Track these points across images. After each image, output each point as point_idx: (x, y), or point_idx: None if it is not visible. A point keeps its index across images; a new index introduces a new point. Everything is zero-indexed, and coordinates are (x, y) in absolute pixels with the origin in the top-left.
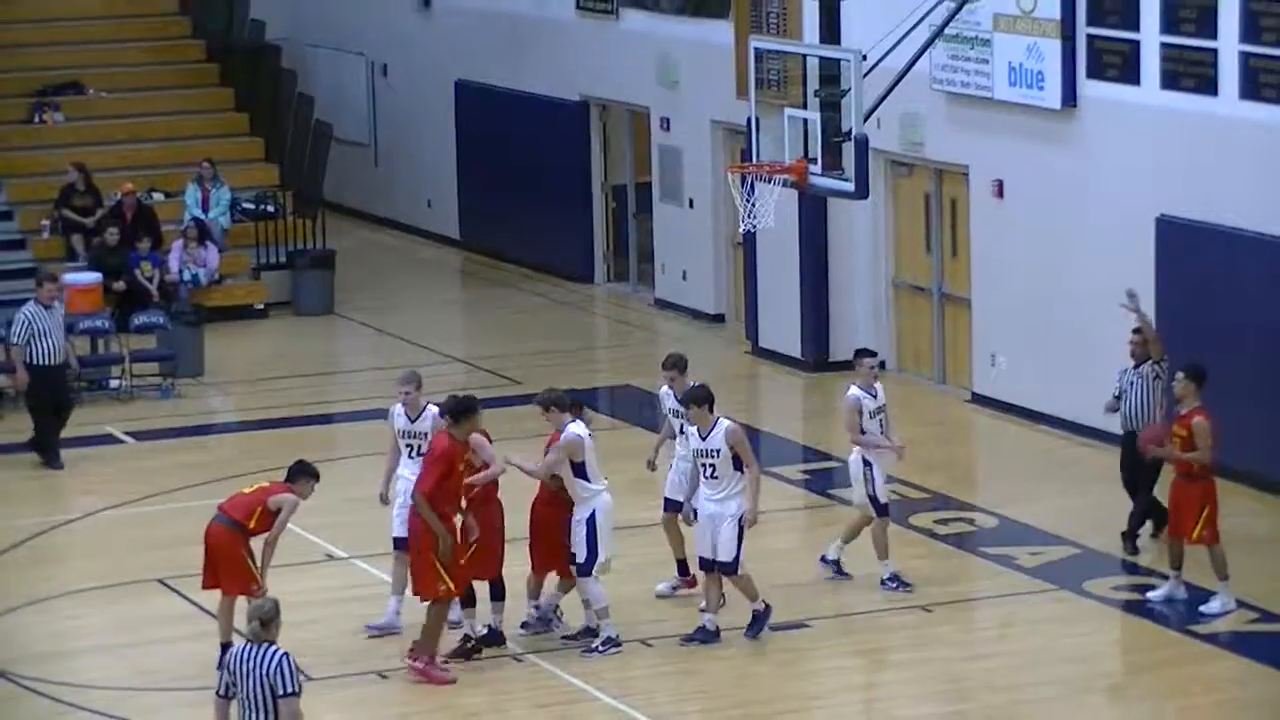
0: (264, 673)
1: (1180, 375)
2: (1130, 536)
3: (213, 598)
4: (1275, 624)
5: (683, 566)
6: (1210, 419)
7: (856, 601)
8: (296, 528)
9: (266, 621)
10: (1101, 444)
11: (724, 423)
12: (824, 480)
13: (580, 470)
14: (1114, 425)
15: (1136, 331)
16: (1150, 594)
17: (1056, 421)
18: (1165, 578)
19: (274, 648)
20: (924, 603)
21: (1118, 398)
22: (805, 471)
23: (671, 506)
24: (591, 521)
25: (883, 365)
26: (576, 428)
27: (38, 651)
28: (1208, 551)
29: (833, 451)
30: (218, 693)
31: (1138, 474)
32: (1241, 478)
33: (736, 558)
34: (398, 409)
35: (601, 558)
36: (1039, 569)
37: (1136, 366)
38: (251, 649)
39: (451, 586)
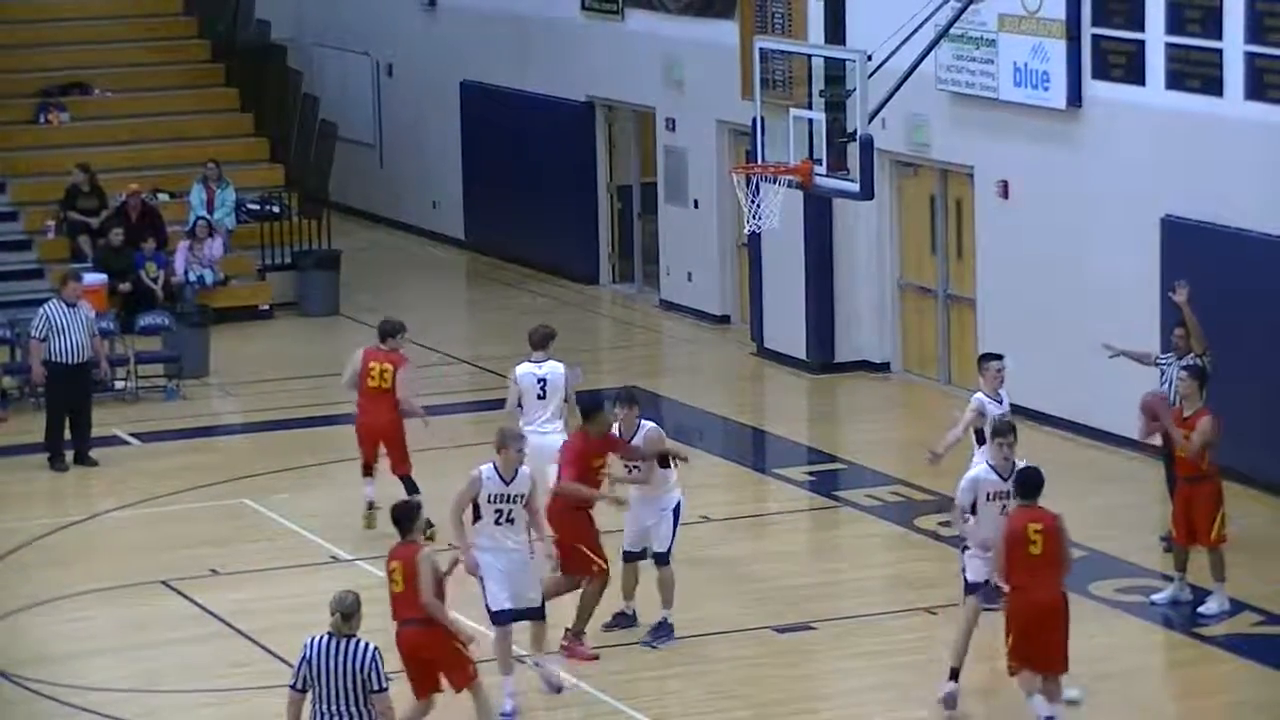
0: (356, 666)
1: (1183, 374)
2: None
3: (217, 598)
4: (1279, 626)
5: None
6: (1217, 419)
7: (861, 604)
8: (301, 529)
9: (349, 614)
10: (1108, 445)
11: (645, 424)
12: (828, 482)
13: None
14: (1119, 427)
15: (1180, 326)
16: (1154, 596)
17: (1062, 423)
18: (1169, 579)
19: (362, 641)
20: (928, 605)
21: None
22: (810, 473)
23: None
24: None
25: (887, 367)
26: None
27: (42, 653)
28: (1208, 553)
29: (837, 453)
30: (293, 686)
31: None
32: (1245, 479)
33: (670, 549)
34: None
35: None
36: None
37: (1179, 359)
38: (335, 642)
39: (603, 564)
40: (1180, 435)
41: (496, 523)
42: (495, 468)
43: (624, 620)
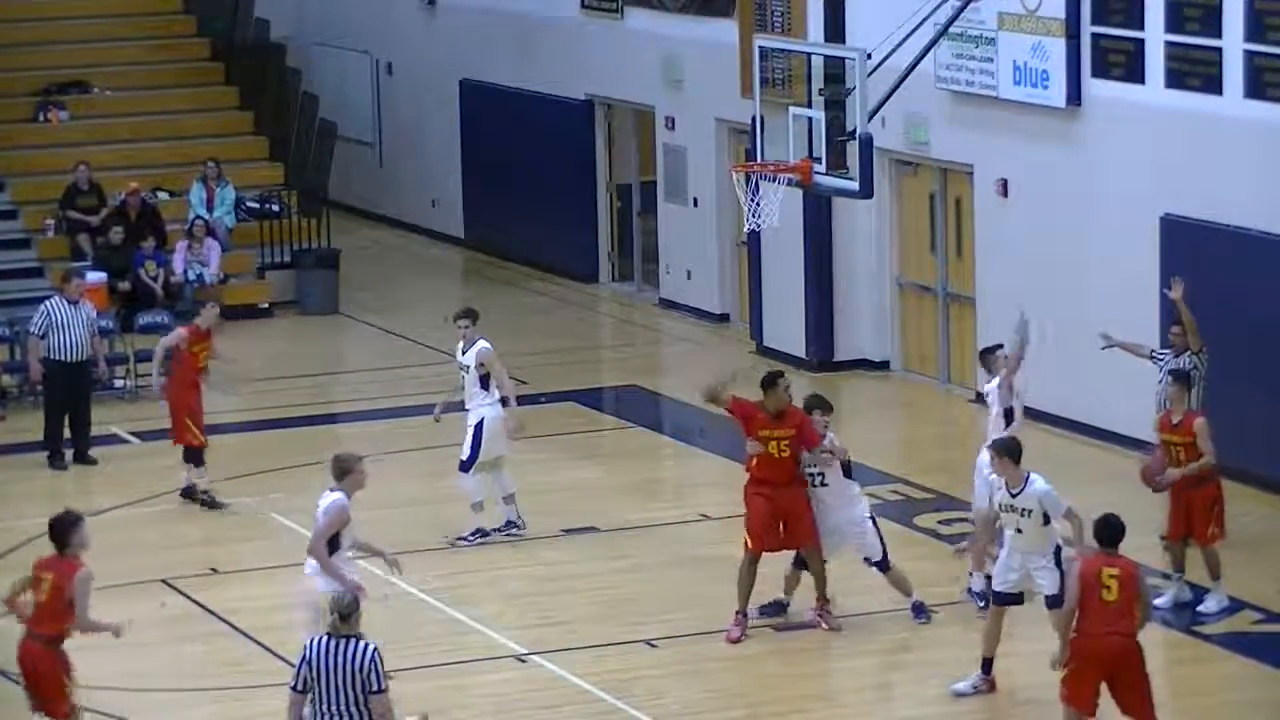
0: (355, 667)
1: (1169, 379)
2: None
3: (216, 597)
4: (1279, 625)
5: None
6: (1207, 419)
7: (860, 603)
8: (300, 528)
9: (347, 615)
10: (1107, 444)
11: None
12: None
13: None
14: (1118, 425)
15: (1176, 323)
16: (1157, 600)
17: (1061, 421)
18: (1168, 578)
19: (362, 641)
20: (929, 603)
21: (1153, 355)
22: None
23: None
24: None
25: (887, 365)
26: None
27: None
28: (1203, 551)
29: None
30: (293, 686)
31: None
32: (1244, 477)
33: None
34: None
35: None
36: None
37: (1175, 357)
38: (334, 642)
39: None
40: (1181, 471)
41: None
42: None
43: (777, 608)
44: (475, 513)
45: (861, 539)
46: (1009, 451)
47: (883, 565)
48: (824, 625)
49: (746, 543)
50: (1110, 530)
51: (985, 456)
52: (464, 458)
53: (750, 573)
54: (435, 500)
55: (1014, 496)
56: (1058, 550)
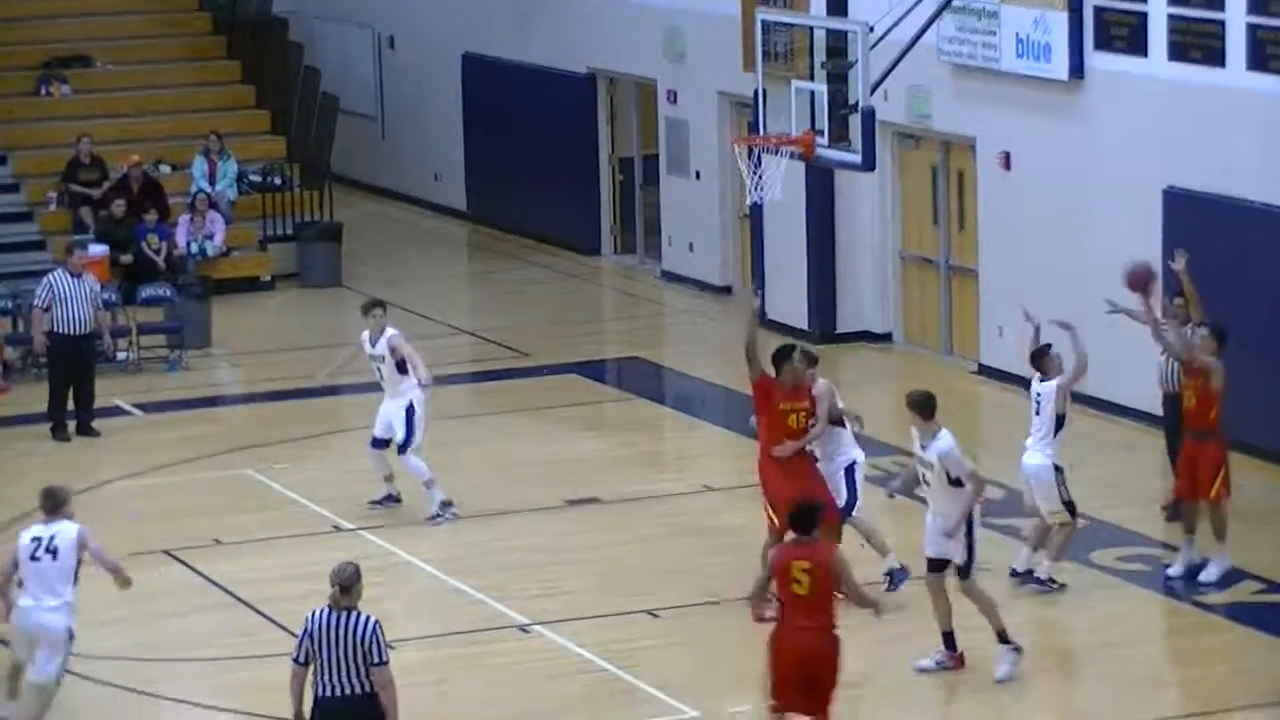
0: (357, 639)
1: (1204, 332)
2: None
3: (219, 568)
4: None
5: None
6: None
7: (861, 573)
8: (303, 499)
9: (348, 587)
10: (1109, 415)
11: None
12: None
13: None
14: (1120, 396)
15: (1179, 294)
16: (1170, 570)
17: None
18: (1172, 548)
19: (363, 614)
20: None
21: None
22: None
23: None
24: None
25: (889, 337)
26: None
27: None
28: (1209, 512)
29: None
30: (295, 659)
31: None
32: (1247, 448)
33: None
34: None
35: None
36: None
37: (1180, 327)
38: (335, 615)
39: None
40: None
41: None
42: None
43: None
44: (431, 489)
45: (835, 487)
46: (917, 405)
47: (844, 512)
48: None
49: (770, 522)
50: (800, 516)
51: (1034, 460)
52: (400, 441)
53: None
54: (441, 471)
55: (922, 450)
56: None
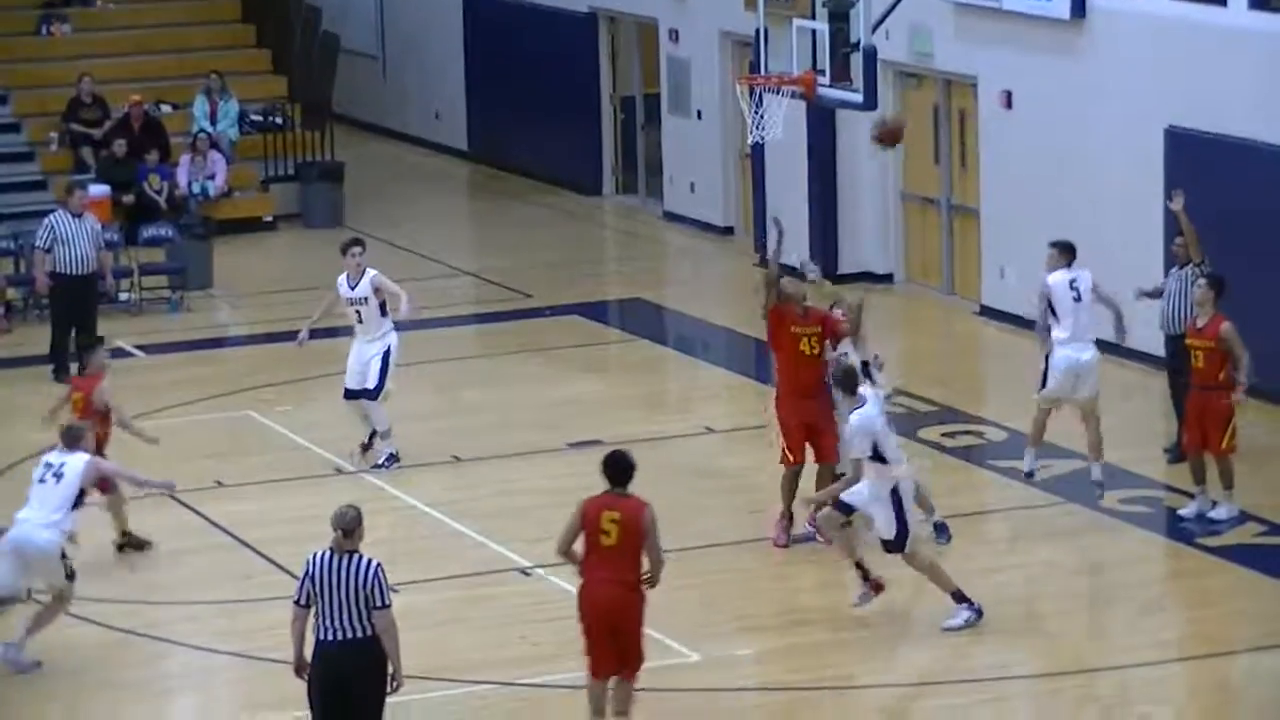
0: (359, 582)
1: (1201, 282)
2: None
3: (221, 510)
4: None
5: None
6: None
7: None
8: (305, 441)
9: (350, 530)
10: (1111, 357)
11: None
12: None
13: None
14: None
15: (1179, 234)
16: (1181, 511)
17: None
18: (1175, 490)
19: (365, 557)
20: (928, 516)
21: (1159, 292)
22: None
23: None
24: (898, 493)
25: (891, 278)
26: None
27: None
28: (1218, 462)
29: None
30: (296, 601)
31: (1184, 385)
32: (1250, 390)
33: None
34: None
35: None
36: (1049, 482)
37: (1179, 269)
38: (337, 558)
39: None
40: (1240, 376)
41: None
42: None
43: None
44: (384, 440)
45: (887, 515)
46: (839, 381)
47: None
48: (821, 538)
49: (785, 457)
50: (615, 468)
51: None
52: (371, 386)
53: (793, 483)
54: (443, 414)
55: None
56: (895, 490)
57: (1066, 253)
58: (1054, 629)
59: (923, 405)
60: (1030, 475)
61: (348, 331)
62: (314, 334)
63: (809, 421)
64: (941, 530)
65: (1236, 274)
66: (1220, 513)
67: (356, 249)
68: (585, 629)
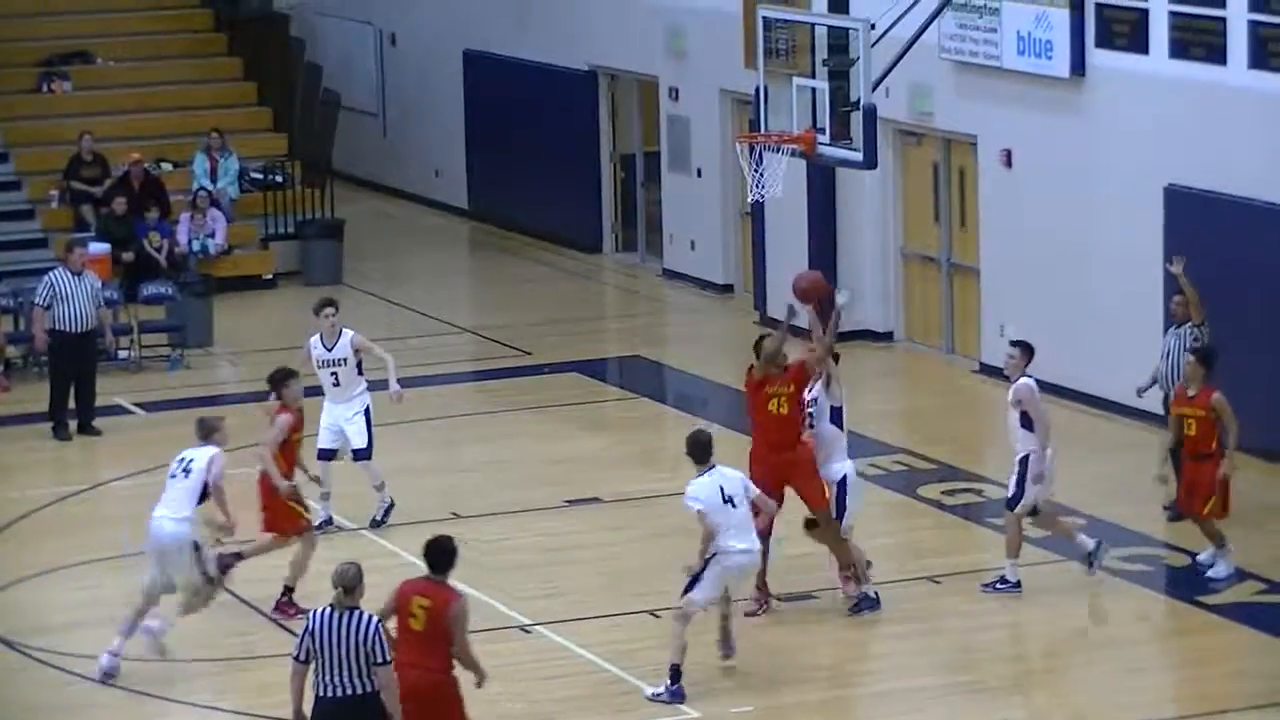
0: (360, 639)
1: (1190, 358)
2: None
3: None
4: None
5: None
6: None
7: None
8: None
9: (351, 587)
10: (1110, 414)
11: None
12: None
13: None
14: (1121, 395)
15: (1179, 293)
16: (1210, 572)
17: (1065, 392)
18: (1174, 549)
19: (366, 614)
20: (932, 574)
21: (1155, 380)
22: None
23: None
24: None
25: (891, 336)
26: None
27: (46, 622)
28: (1201, 525)
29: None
30: (296, 657)
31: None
32: (1247, 448)
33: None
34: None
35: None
36: (1048, 540)
37: (1177, 327)
38: (338, 614)
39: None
40: (1230, 441)
41: None
42: None
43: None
44: (382, 491)
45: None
46: (689, 451)
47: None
48: (844, 591)
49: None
50: (433, 554)
51: None
52: (363, 446)
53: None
54: (442, 470)
55: None
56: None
57: (1029, 354)
58: (1052, 687)
59: (922, 463)
60: (1017, 585)
61: (317, 391)
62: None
63: (781, 474)
64: (865, 603)
65: (1236, 332)
66: (1219, 570)
67: (330, 309)
68: (401, 704)
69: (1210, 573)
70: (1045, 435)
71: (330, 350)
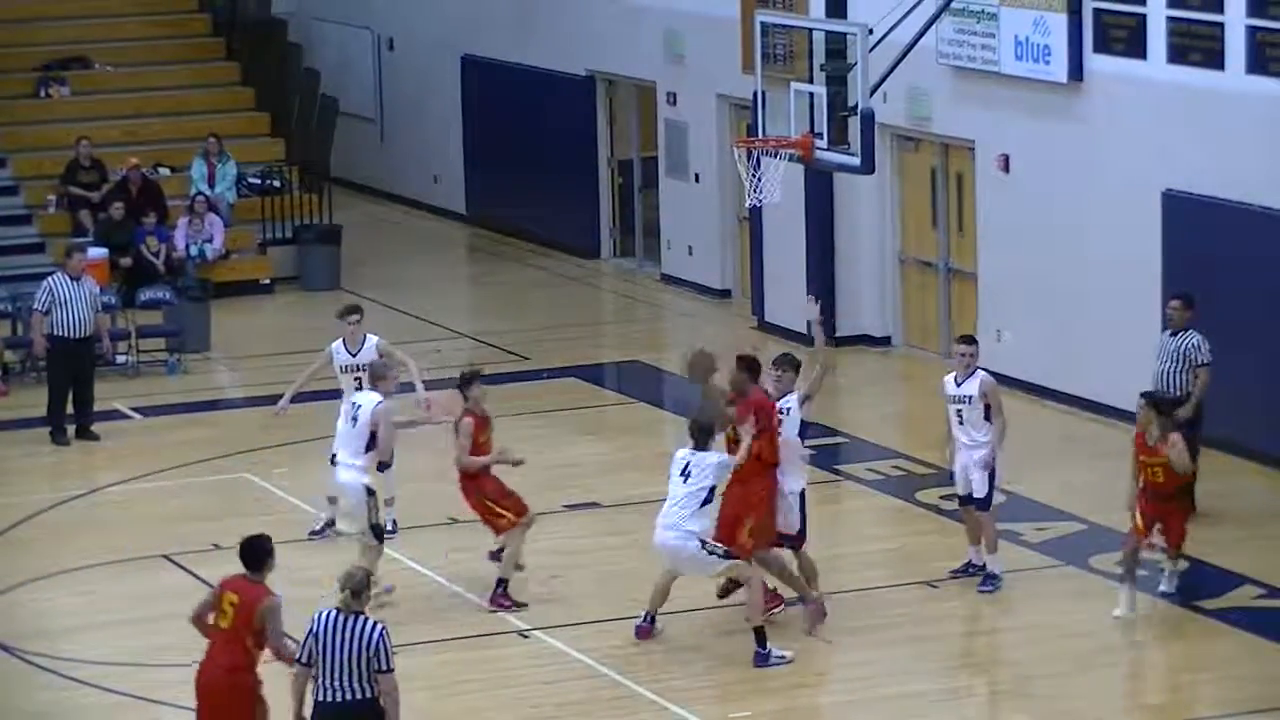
0: (363, 644)
1: (1141, 402)
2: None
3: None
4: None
5: None
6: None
7: (862, 578)
8: (302, 504)
9: (358, 591)
10: (1108, 419)
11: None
12: (830, 456)
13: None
14: (1119, 400)
15: (1175, 298)
16: (1160, 588)
17: (1063, 396)
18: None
19: (370, 619)
20: (930, 578)
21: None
22: (811, 447)
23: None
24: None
25: (889, 341)
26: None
27: (44, 627)
28: (1169, 556)
29: (838, 427)
30: (298, 659)
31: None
32: (1247, 453)
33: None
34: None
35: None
36: (1045, 544)
37: (1173, 334)
38: (343, 618)
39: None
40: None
41: None
42: None
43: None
44: (390, 505)
45: (787, 513)
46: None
47: (794, 543)
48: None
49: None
50: (247, 553)
51: None
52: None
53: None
54: (440, 475)
55: None
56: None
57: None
58: (1049, 692)
59: (920, 468)
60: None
61: (331, 395)
62: (314, 396)
63: (736, 512)
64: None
65: (1234, 336)
66: (1172, 581)
67: (355, 315)
68: (197, 708)
69: (1163, 585)
70: (1003, 425)
71: (354, 355)
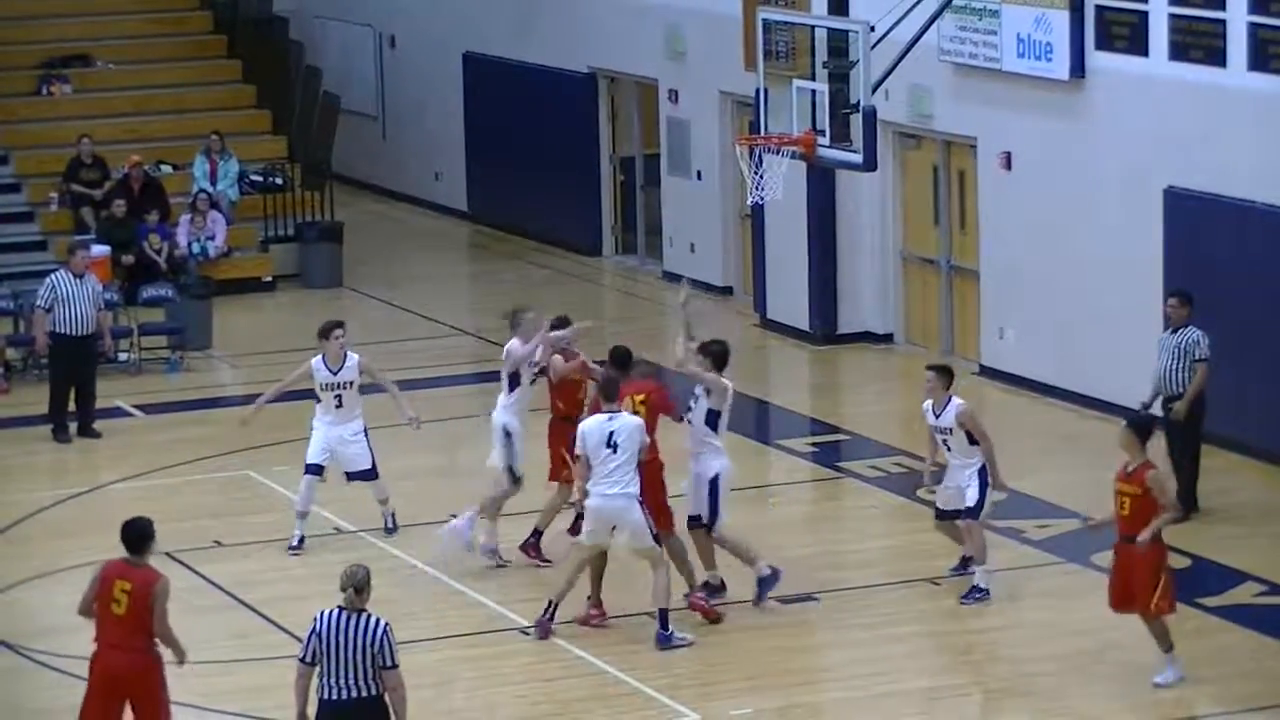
0: (367, 642)
1: (1123, 424)
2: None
3: (220, 570)
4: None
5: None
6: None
7: (863, 575)
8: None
9: (360, 588)
10: (1110, 416)
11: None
12: (831, 453)
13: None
14: (1121, 398)
15: (1173, 295)
16: (1157, 679)
17: (1064, 394)
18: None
19: (374, 616)
20: (931, 576)
21: (1155, 395)
22: (812, 444)
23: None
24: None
25: (890, 338)
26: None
27: (46, 624)
28: (1149, 624)
29: (841, 424)
30: (302, 658)
31: (1181, 446)
32: (1247, 450)
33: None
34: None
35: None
36: (1046, 542)
37: (1174, 331)
38: (346, 616)
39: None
40: (1156, 525)
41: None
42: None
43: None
44: (386, 506)
45: (697, 493)
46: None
47: (707, 526)
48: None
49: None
50: (129, 536)
51: None
52: (368, 467)
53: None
54: (441, 473)
55: None
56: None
57: (949, 377)
58: (1050, 689)
59: (921, 465)
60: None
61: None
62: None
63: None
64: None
65: (1235, 334)
66: (1168, 675)
67: (339, 331)
68: (88, 694)
69: (1159, 679)
70: (991, 448)
71: (335, 374)
